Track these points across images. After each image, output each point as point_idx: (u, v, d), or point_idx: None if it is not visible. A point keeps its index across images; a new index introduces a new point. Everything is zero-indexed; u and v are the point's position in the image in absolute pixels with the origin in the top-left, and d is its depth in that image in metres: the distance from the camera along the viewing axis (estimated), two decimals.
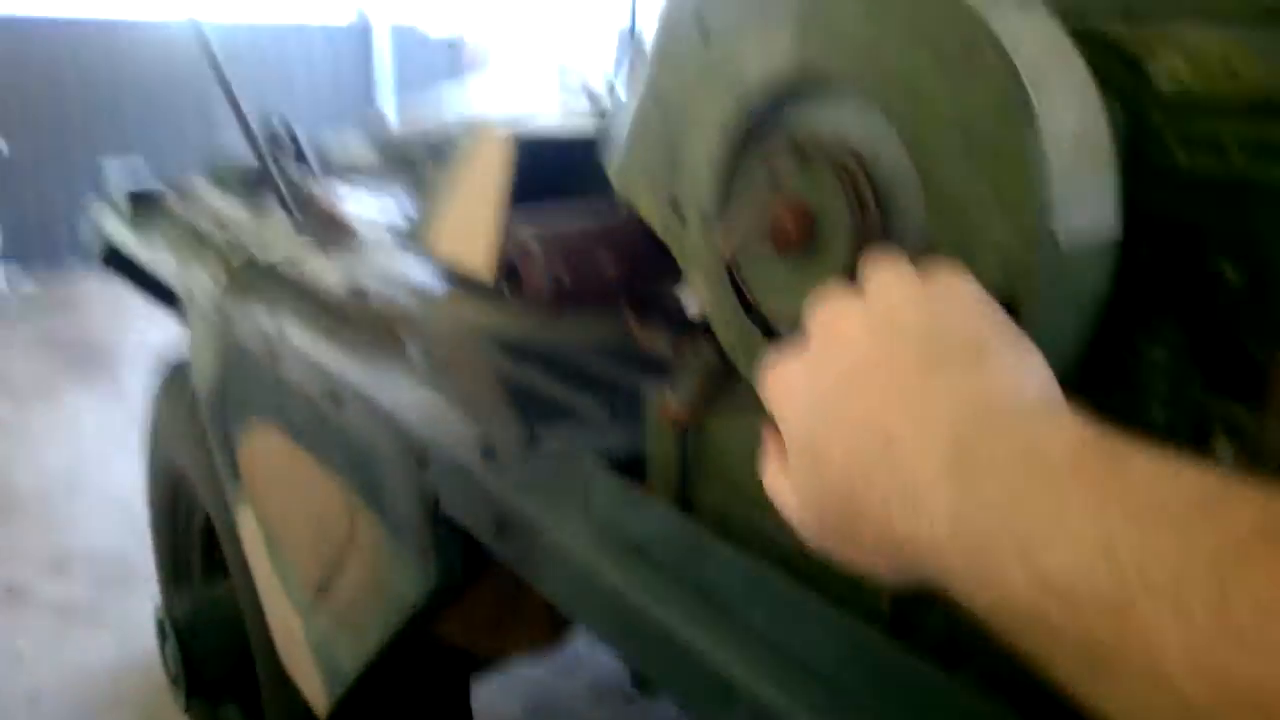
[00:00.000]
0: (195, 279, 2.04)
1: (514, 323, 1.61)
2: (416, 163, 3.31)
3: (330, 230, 2.35)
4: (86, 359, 7.03)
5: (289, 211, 2.33)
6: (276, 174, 2.35)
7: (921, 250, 0.69)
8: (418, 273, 2.07)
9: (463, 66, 10.72)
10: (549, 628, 1.62)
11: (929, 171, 0.67)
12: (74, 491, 5.07)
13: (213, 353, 1.95)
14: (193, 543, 2.78)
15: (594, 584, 0.93)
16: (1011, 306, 0.64)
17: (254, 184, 2.76)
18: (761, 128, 0.78)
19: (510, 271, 0.90)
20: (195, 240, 2.21)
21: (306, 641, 1.68)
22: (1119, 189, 0.68)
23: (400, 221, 2.24)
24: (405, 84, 10.26)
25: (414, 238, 2.03)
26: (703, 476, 0.92)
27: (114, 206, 2.71)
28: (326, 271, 1.89)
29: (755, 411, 0.88)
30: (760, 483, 0.87)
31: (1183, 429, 0.79)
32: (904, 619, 0.77)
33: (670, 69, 0.86)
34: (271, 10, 9.63)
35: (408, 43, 10.36)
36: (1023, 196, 0.63)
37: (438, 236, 1.94)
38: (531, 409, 1.35)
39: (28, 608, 4.06)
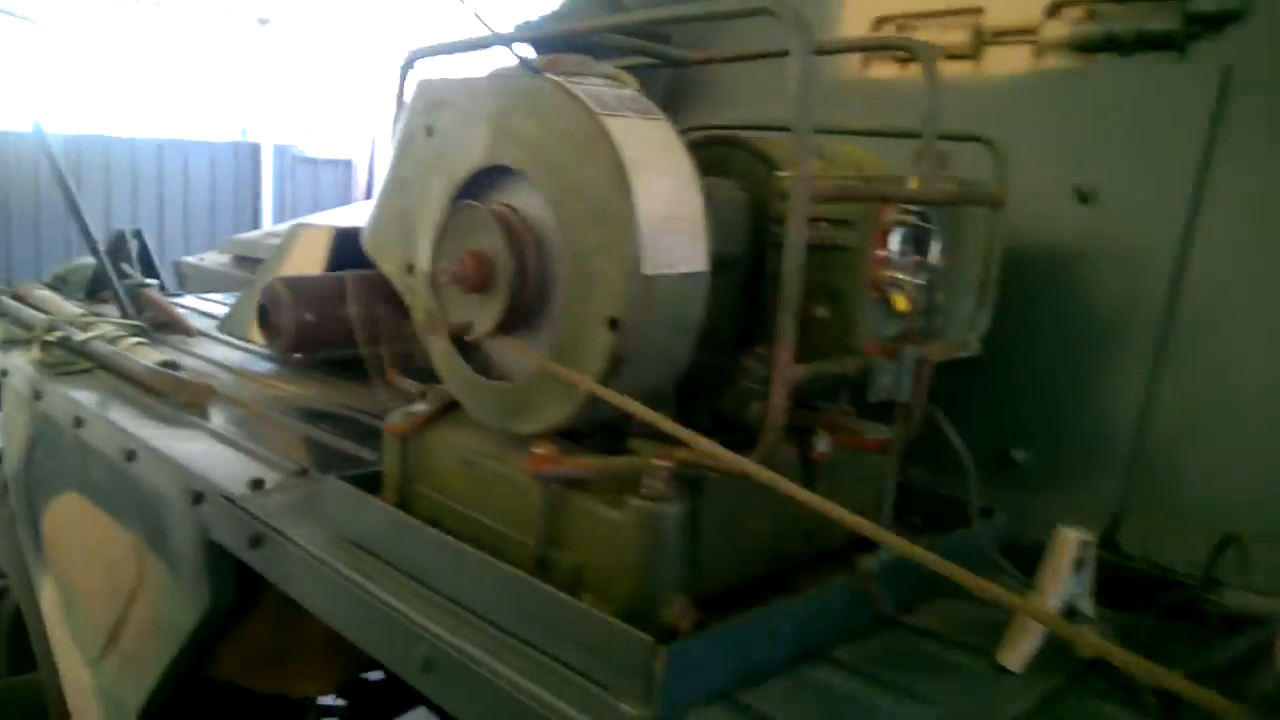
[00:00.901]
0: (11, 360, 2.14)
1: (308, 392, 1.79)
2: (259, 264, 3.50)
3: (162, 324, 2.49)
4: None
5: (121, 306, 2.46)
6: (113, 274, 2.48)
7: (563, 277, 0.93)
8: (235, 356, 2.23)
9: (351, 185, 10.98)
10: (329, 665, 1.72)
11: (566, 229, 0.92)
12: None
13: (22, 427, 2.04)
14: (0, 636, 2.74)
15: (327, 575, 1.11)
16: (616, 323, 0.89)
17: (93, 287, 2.88)
18: (464, 201, 1.02)
19: (263, 315, 1.10)
20: (16, 326, 2.31)
21: (94, 692, 1.75)
22: (707, 244, 0.93)
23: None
24: (294, 199, 10.44)
25: (233, 323, 2.19)
26: (420, 479, 1.12)
27: None
28: (143, 352, 2.03)
29: (464, 430, 1.09)
30: (461, 479, 1.08)
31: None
32: (544, 565, 0.97)
33: (406, 158, 1.11)
34: (168, 126, 9.78)
35: (294, 161, 10.57)
36: (624, 246, 0.88)
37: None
38: (313, 456, 1.52)
39: None
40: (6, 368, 2.16)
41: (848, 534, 1.07)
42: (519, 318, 0.97)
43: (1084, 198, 1.26)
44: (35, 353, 2.09)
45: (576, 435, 1.02)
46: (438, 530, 1.05)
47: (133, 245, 2.97)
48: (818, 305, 1.05)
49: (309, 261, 1.96)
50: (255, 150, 10.27)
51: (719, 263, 0.97)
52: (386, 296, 1.15)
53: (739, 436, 0.99)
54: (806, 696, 0.91)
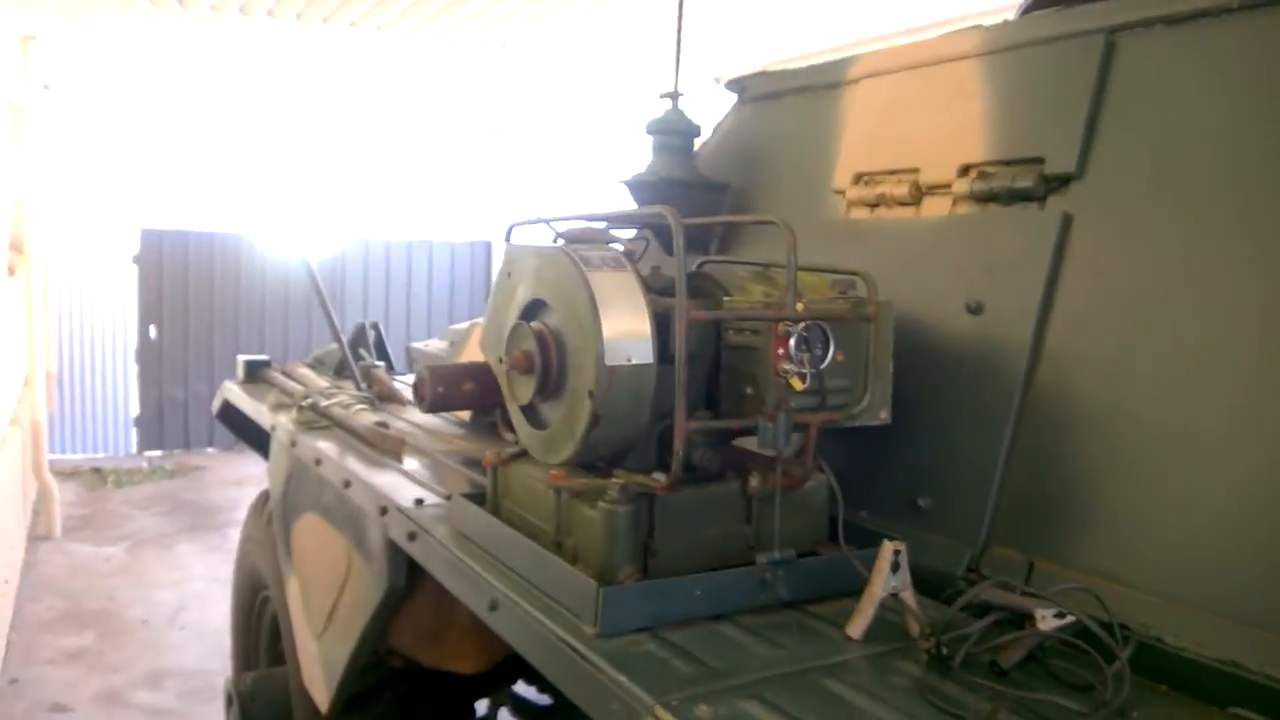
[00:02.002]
0: (278, 418, 2.98)
1: (473, 447, 2.48)
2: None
3: (385, 396, 3.30)
4: (201, 518, 8.10)
5: (355, 382, 3.30)
6: (349, 358, 3.33)
7: (569, 366, 1.54)
8: (434, 421, 2.98)
9: None
10: (477, 646, 2.34)
11: (568, 337, 1.53)
12: (175, 623, 5.97)
13: (282, 467, 2.86)
14: (261, 635, 3.59)
15: (446, 555, 1.75)
16: (591, 394, 1.48)
17: (340, 367, 3.77)
18: (518, 321, 1.66)
19: (415, 389, 1.77)
20: (283, 395, 3.17)
21: (318, 657, 2.47)
22: (654, 347, 1.50)
23: None
24: None
25: None
26: (505, 495, 1.75)
27: (235, 379, 3.74)
28: (364, 416, 2.80)
29: (527, 464, 1.71)
30: (524, 493, 1.69)
31: (711, 469, 1.59)
32: (559, 546, 1.57)
33: (498, 290, 1.76)
34: (411, 229, 11.40)
35: None
36: (596, 347, 1.47)
37: None
38: (460, 486, 2.19)
39: (124, 711, 4.87)
40: (275, 424, 3.00)
41: (791, 543, 1.59)
42: (548, 391, 1.59)
43: (974, 310, 1.73)
44: (293, 414, 2.92)
45: (590, 466, 1.62)
46: (508, 525, 1.67)
47: (370, 334, 3.85)
48: (745, 385, 1.60)
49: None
50: (487, 248, 11.66)
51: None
52: (492, 380, 1.80)
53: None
54: (705, 636, 1.43)
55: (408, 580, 2.11)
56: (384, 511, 2.09)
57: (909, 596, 1.45)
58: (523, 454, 1.76)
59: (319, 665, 2.48)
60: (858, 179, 2.07)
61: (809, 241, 2.11)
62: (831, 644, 1.44)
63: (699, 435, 1.58)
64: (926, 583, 1.53)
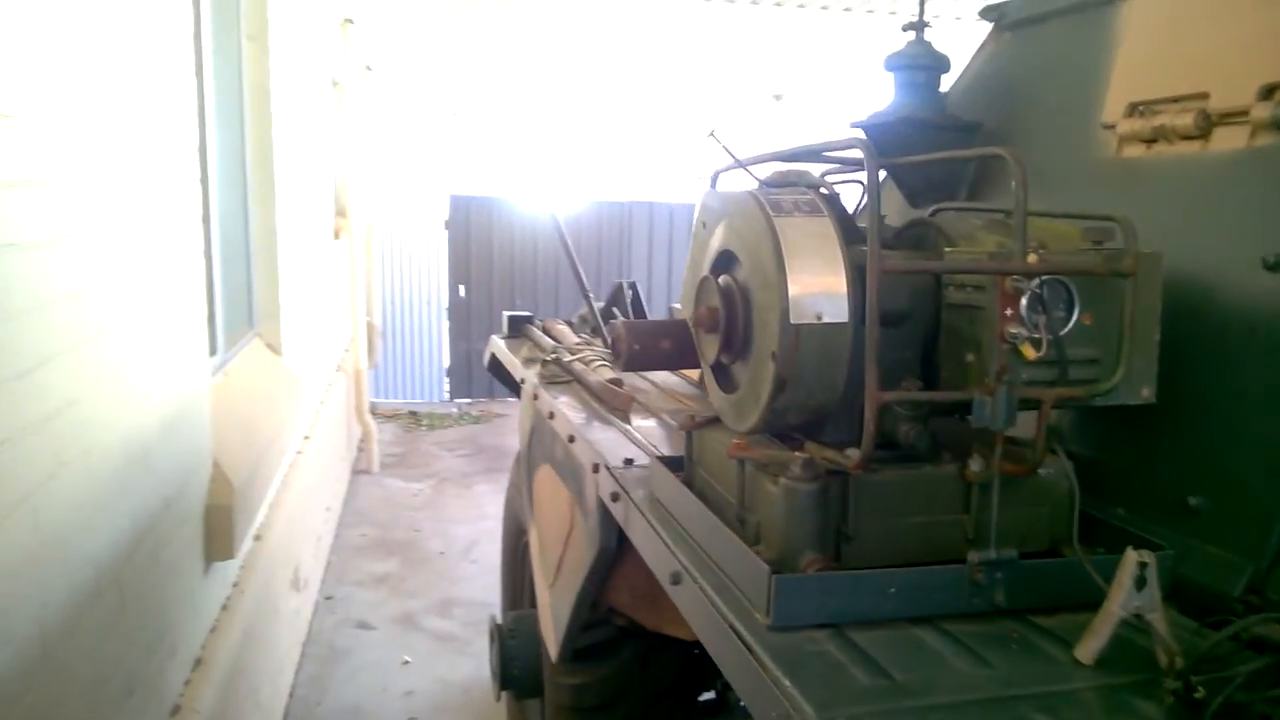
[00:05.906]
0: (527, 372, 3.03)
1: (701, 406, 2.39)
2: None
3: None
4: (498, 460, 8.64)
5: (604, 339, 3.30)
6: (597, 314, 3.33)
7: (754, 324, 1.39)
8: (673, 380, 2.91)
9: None
10: None
11: (753, 292, 1.38)
12: (467, 556, 6.41)
13: (528, 419, 2.90)
14: (524, 576, 3.72)
15: (639, 519, 1.66)
16: (774, 355, 1.32)
17: (597, 324, 3.80)
18: (704, 275, 1.52)
19: (614, 345, 1.69)
20: (535, 349, 3.22)
21: (549, 607, 2.49)
22: (851, 304, 1.31)
23: None
24: None
25: None
26: (699, 461, 1.63)
27: (501, 333, 3.88)
28: (602, 372, 2.78)
29: (718, 430, 1.58)
30: (713, 460, 1.56)
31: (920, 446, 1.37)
32: (742, 521, 1.43)
33: (694, 244, 1.63)
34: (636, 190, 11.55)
35: None
36: (781, 304, 1.31)
37: None
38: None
39: (416, 633, 5.30)
40: (525, 377, 3.06)
41: (1018, 540, 1.34)
42: (734, 350, 1.44)
43: (1273, 266, 1.38)
44: (539, 368, 2.95)
45: (784, 436, 1.46)
46: (699, 494, 1.55)
47: (628, 294, 3.85)
48: (967, 351, 1.37)
49: None
50: None
51: (887, 317, 1.35)
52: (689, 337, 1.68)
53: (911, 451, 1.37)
54: (898, 642, 1.24)
55: (621, 539, 2.05)
56: (596, 469, 2.04)
57: (1158, 619, 1.17)
58: (718, 419, 1.63)
59: (550, 615, 2.50)
60: (1132, 110, 1.73)
61: (1074, 186, 1.82)
62: (1053, 667, 1.19)
63: (905, 408, 1.38)
64: (1192, 602, 1.24)
